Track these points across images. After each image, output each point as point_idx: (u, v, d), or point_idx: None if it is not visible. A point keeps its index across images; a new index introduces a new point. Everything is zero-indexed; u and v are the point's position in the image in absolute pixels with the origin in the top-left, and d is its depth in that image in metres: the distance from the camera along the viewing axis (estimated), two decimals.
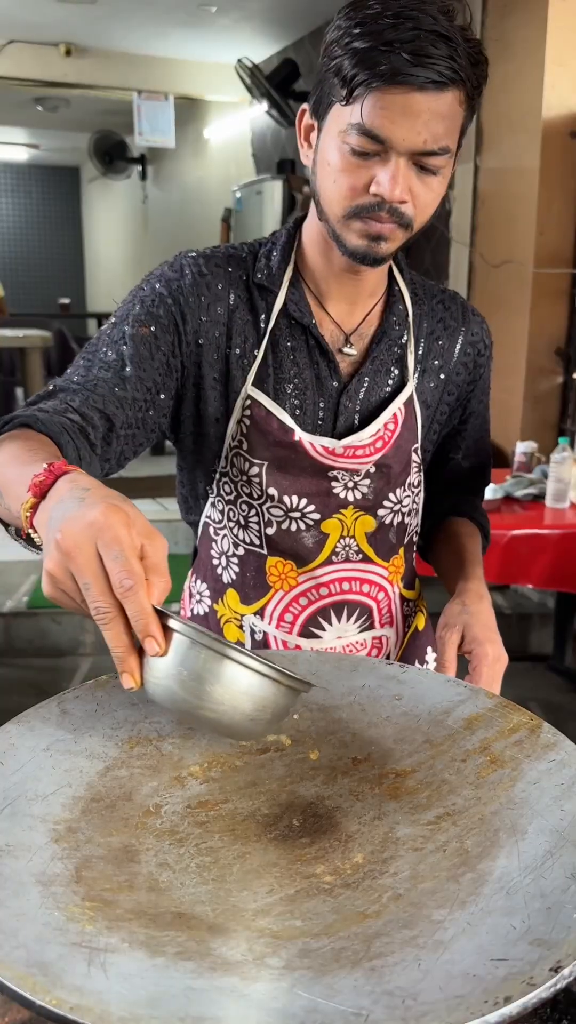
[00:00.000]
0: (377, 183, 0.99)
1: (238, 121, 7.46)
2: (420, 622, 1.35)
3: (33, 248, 13.31)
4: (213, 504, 1.23)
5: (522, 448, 3.52)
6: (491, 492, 3.23)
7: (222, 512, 1.22)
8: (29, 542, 0.80)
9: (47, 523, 0.71)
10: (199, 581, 1.30)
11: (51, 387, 1.04)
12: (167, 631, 0.70)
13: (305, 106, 1.07)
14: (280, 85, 5.90)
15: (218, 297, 1.13)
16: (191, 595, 1.33)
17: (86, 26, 6.27)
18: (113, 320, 1.12)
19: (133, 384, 1.06)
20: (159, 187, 9.93)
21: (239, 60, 5.93)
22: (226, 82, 6.80)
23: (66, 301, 10.66)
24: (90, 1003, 0.52)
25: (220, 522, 1.24)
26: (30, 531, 0.76)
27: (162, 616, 0.70)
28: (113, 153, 9.28)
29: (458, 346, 1.24)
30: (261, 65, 6.10)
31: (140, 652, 0.71)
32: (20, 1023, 0.62)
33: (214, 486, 1.21)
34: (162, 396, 1.11)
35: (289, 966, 0.58)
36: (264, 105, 6.09)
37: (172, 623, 0.70)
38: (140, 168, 9.87)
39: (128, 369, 1.07)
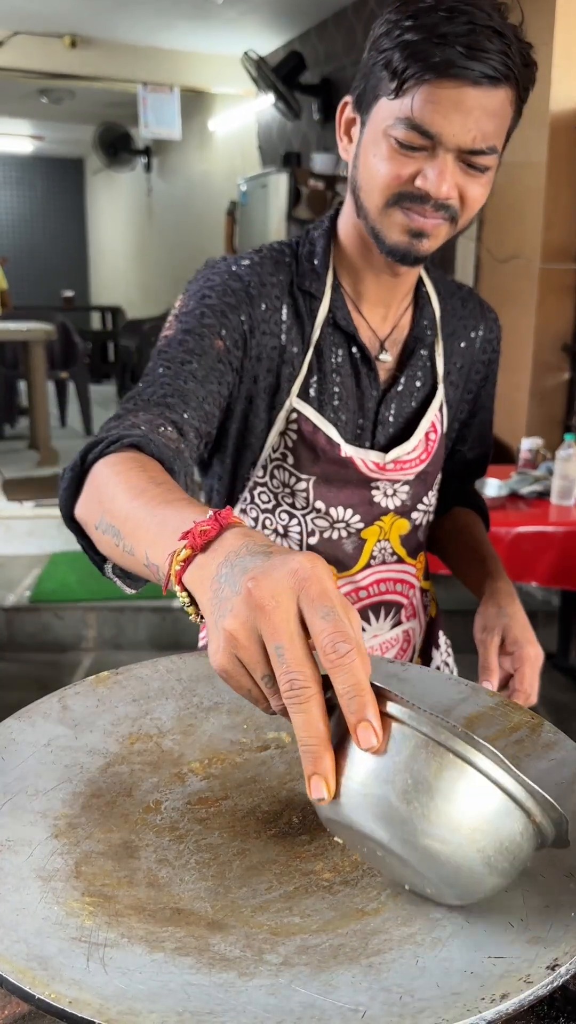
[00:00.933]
0: (424, 177, 0.97)
1: (244, 113, 7.44)
2: (433, 610, 1.38)
3: (37, 240, 13.31)
4: (244, 511, 1.20)
5: (528, 445, 3.52)
6: (496, 489, 3.23)
7: (255, 520, 1.20)
8: (126, 579, 0.78)
9: (215, 581, 0.57)
10: None
11: (130, 404, 0.96)
12: (384, 719, 0.52)
13: (347, 99, 1.05)
14: (286, 77, 5.89)
15: (276, 307, 1.09)
16: None
17: (91, 17, 6.26)
18: (184, 326, 1.04)
19: (213, 399, 1.03)
20: (164, 179, 9.92)
21: (245, 52, 5.91)
22: (232, 74, 6.78)
23: (70, 294, 10.67)
24: (89, 997, 0.52)
25: (255, 528, 1.20)
26: (176, 588, 0.62)
27: (379, 697, 0.52)
28: (118, 145, 9.28)
29: (476, 346, 1.24)
30: (267, 57, 6.09)
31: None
32: (19, 1017, 0.63)
33: (249, 494, 1.19)
34: (230, 407, 1.10)
35: (287, 962, 0.58)
36: (270, 97, 6.08)
37: (393, 708, 0.52)
38: (145, 160, 9.87)
39: (212, 385, 1.02)
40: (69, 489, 0.83)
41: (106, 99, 8.23)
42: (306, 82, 5.95)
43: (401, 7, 0.94)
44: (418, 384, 1.18)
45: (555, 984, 0.54)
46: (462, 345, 1.22)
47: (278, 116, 6.48)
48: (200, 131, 8.49)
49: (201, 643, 1.29)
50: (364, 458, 1.14)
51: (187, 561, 0.60)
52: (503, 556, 2.93)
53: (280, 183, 5.68)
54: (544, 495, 3.23)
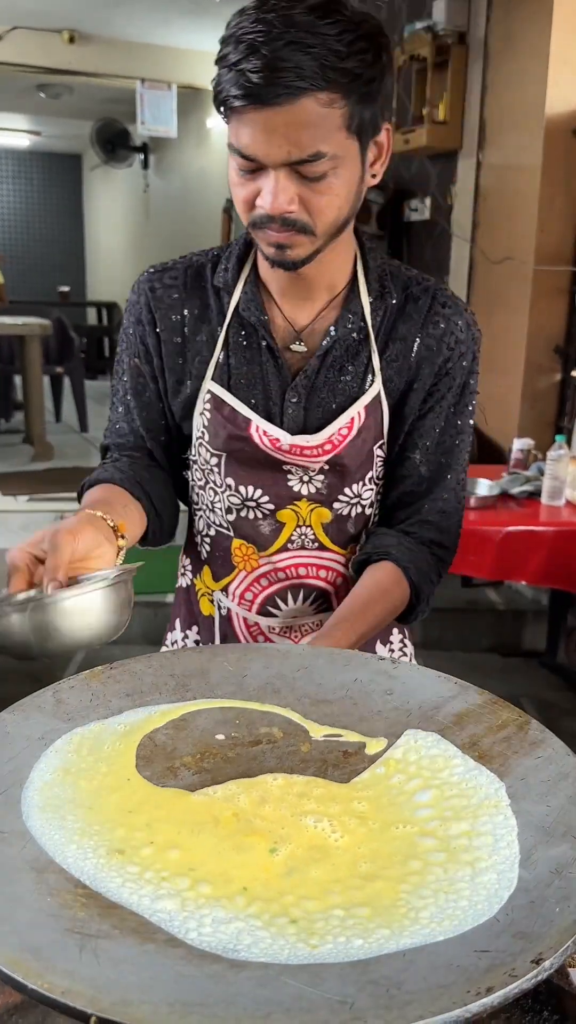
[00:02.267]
0: (261, 197, 1.03)
1: None
2: None
3: (33, 235, 13.28)
4: (192, 487, 1.32)
5: (519, 445, 3.53)
6: (487, 488, 3.24)
7: (197, 496, 1.31)
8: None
9: None
10: (185, 556, 1.41)
11: (105, 436, 1.30)
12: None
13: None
14: None
15: (171, 307, 1.21)
16: (181, 569, 1.43)
17: (90, 13, 6.25)
18: (117, 353, 1.29)
19: (140, 413, 1.26)
20: (161, 176, 9.91)
21: None
22: None
23: (66, 289, 10.65)
24: (81, 987, 0.53)
25: (196, 504, 1.32)
26: None
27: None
28: (115, 141, 9.26)
29: (417, 341, 1.19)
30: None
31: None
32: (12, 1007, 0.63)
33: (189, 473, 1.31)
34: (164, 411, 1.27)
35: (277, 955, 0.59)
36: None
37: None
38: (142, 157, 9.85)
39: (132, 402, 1.25)
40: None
41: (104, 95, 8.22)
42: None
43: (226, 29, 0.99)
44: (345, 378, 1.19)
45: (540, 978, 0.55)
46: (401, 339, 1.19)
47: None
48: (197, 128, 8.48)
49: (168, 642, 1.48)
50: (268, 432, 1.18)
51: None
52: (493, 555, 2.95)
53: None
54: (535, 495, 3.24)
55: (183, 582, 1.42)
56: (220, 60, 0.98)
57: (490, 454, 4.21)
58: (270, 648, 1.02)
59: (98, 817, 0.73)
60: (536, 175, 3.86)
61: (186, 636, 1.42)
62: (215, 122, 8.09)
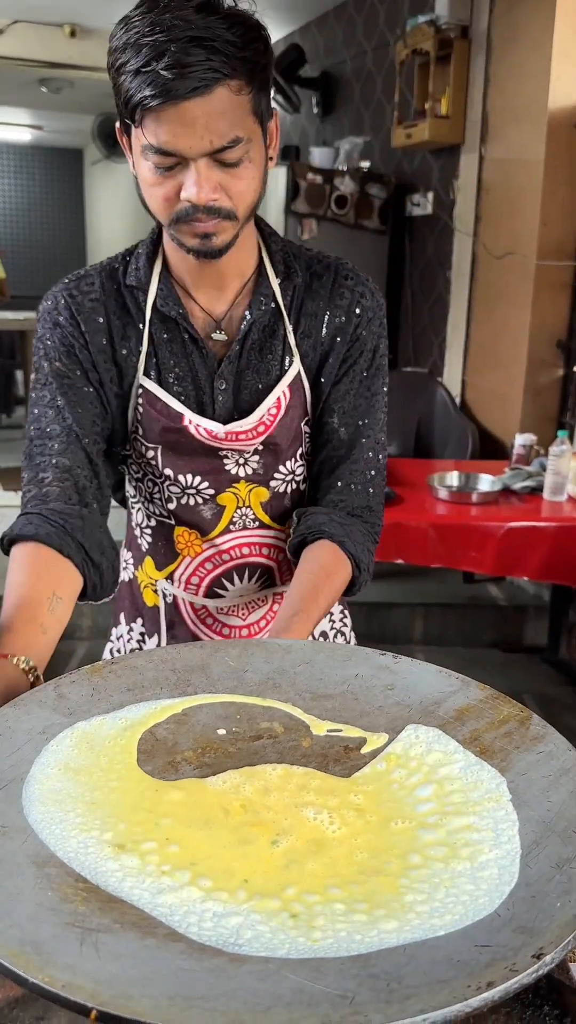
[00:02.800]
0: (185, 189, 1.05)
1: None
2: None
3: (35, 230, 13.26)
4: (129, 481, 1.35)
5: (521, 440, 3.53)
6: (489, 484, 3.24)
7: (135, 488, 1.34)
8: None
9: None
10: (126, 550, 1.43)
11: (26, 453, 1.22)
12: None
13: (118, 126, 1.12)
14: (286, 71, 5.87)
15: (93, 310, 1.22)
16: (123, 564, 1.44)
17: (91, 7, 6.23)
18: (33, 367, 1.25)
19: (71, 411, 1.21)
20: None
21: None
22: None
23: None
24: (82, 981, 0.53)
25: (135, 496, 1.36)
26: None
27: None
28: (117, 136, 9.24)
29: (327, 315, 1.25)
30: None
31: None
32: (13, 1000, 0.64)
33: (125, 467, 1.33)
34: (101, 406, 1.25)
35: (277, 948, 0.59)
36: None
37: None
38: None
39: (60, 401, 1.21)
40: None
41: (105, 90, 8.14)
42: (306, 75, 5.93)
43: (119, 33, 1.01)
44: (268, 357, 1.24)
45: (540, 972, 0.55)
46: (311, 316, 1.25)
47: (277, 109, 6.47)
48: None
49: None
50: (200, 425, 1.22)
51: None
52: (495, 550, 2.95)
53: (278, 177, 5.67)
54: (537, 491, 3.24)
55: (124, 576, 1.44)
56: (119, 68, 1.01)
57: (492, 449, 4.21)
58: (271, 643, 1.02)
59: (99, 811, 0.73)
60: (539, 169, 3.85)
61: (131, 629, 1.44)
62: None
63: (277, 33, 6.49)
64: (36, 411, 1.22)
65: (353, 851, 0.70)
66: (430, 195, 4.79)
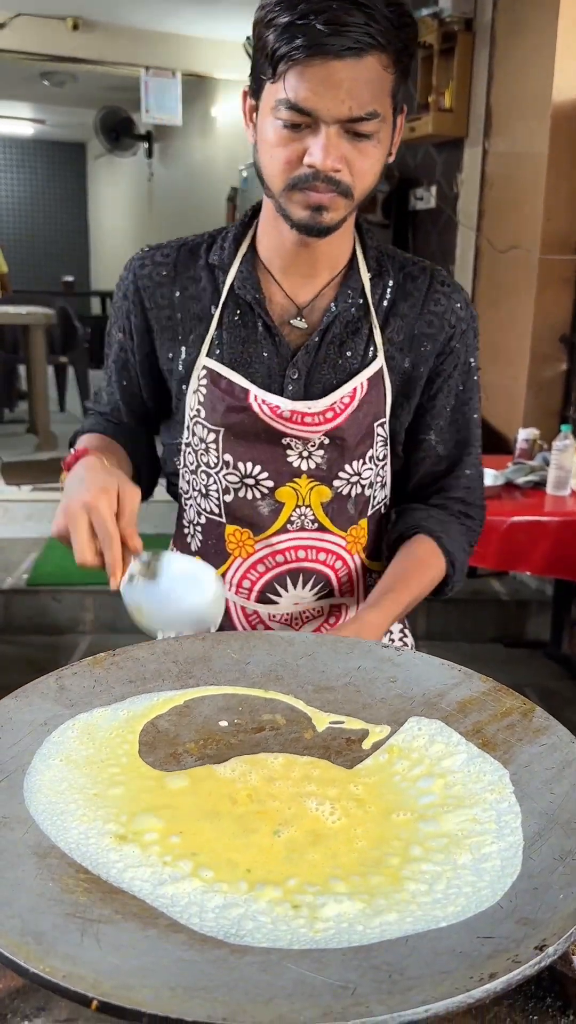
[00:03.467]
0: (310, 154, 1.02)
1: None
2: None
3: (37, 225, 13.26)
4: (182, 475, 1.31)
5: (524, 435, 3.52)
6: (492, 478, 3.23)
7: (188, 483, 1.29)
8: None
9: (65, 486, 1.06)
10: (174, 549, 1.39)
11: (88, 405, 1.37)
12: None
13: (245, 88, 1.10)
14: None
15: (161, 285, 1.22)
16: None
17: (94, 0, 6.22)
18: (107, 327, 1.31)
19: (119, 385, 1.30)
20: (165, 165, 9.88)
21: (248, 38, 5.87)
22: (234, 60, 6.74)
23: (70, 279, 10.63)
24: (83, 972, 0.53)
25: (187, 492, 1.31)
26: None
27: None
28: (119, 130, 9.23)
29: (418, 319, 1.22)
30: None
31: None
32: (14, 991, 0.64)
33: (181, 458, 1.29)
34: (151, 380, 1.28)
35: (279, 939, 0.59)
36: None
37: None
38: (146, 145, 9.82)
39: (114, 375, 1.30)
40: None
41: (108, 83, 8.18)
42: None
43: None
44: (348, 352, 1.20)
45: (543, 964, 0.55)
46: (402, 317, 1.22)
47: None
48: (202, 117, 8.44)
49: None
50: (267, 400, 1.18)
51: (61, 474, 1.09)
52: (498, 545, 2.94)
53: None
54: (540, 485, 3.23)
55: None
56: (269, 22, 0.99)
57: (495, 444, 4.20)
58: (273, 635, 1.02)
59: (100, 803, 0.72)
60: (542, 163, 3.83)
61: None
62: (219, 110, 8.06)
63: None
64: (104, 370, 1.33)
65: (355, 842, 0.70)
66: (433, 189, 4.78)
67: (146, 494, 1.29)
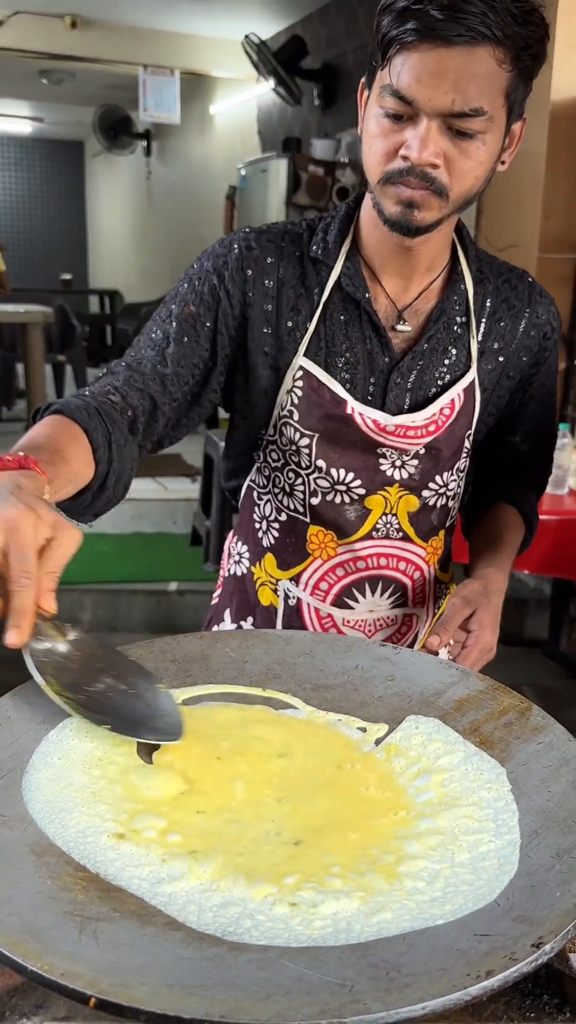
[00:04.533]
0: (406, 147, 0.98)
1: (244, 98, 7.40)
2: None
3: (36, 223, 13.24)
4: (259, 469, 1.26)
5: None
6: None
7: (267, 478, 1.24)
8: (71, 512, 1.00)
9: None
10: (240, 543, 1.33)
11: (105, 369, 1.13)
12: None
13: (364, 79, 1.06)
14: (287, 62, 5.85)
15: (266, 271, 1.14)
16: (230, 555, 1.36)
17: None
18: (165, 299, 1.17)
19: (175, 361, 1.12)
20: (163, 163, 9.87)
21: (246, 36, 5.87)
22: (233, 58, 6.74)
23: (68, 277, 10.62)
24: (81, 969, 0.53)
25: (264, 487, 1.26)
26: None
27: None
28: (118, 128, 9.21)
29: (521, 328, 1.21)
30: (268, 42, 6.04)
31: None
32: (12, 989, 0.64)
33: (261, 452, 1.24)
34: (209, 371, 1.15)
35: (276, 937, 0.59)
36: (271, 82, 6.04)
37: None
38: (145, 144, 9.80)
39: (171, 348, 1.12)
40: None
41: (106, 81, 8.16)
42: (307, 67, 5.91)
43: None
44: (448, 361, 1.17)
45: (540, 962, 0.55)
46: (502, 325, 1.20)
47: (278, 101, 6.44)
48: (200, 115, 8.43)
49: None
50: (366, 415, 1.14)
51: None
52: None
53: (280, 169, 5.66)
54: None
55: (236, 570, 1.34)
56: (387, 8, 0.95)
57: None
58: (271, 634, 1.02)
59: (99, 801, 0.72)
60: (541, 161, 3.83)
61: (239, 627, 1.33)
62: (218, 108, 8.05)
63: (278, 24, 6.47)
64: (140, 341, 1.15)
65: (353, 841, 0.70)
66: None
67: (104, 506, 1.06)
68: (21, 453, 0.85)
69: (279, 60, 5.84)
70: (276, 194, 5.71)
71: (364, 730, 0.87)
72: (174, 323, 1.13)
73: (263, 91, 6.80)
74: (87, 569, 4.00)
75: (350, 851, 0.69)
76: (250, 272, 1.13)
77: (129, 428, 1.06)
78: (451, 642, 1.08)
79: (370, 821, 0.73)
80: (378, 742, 0.85)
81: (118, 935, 0.58)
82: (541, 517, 3.03)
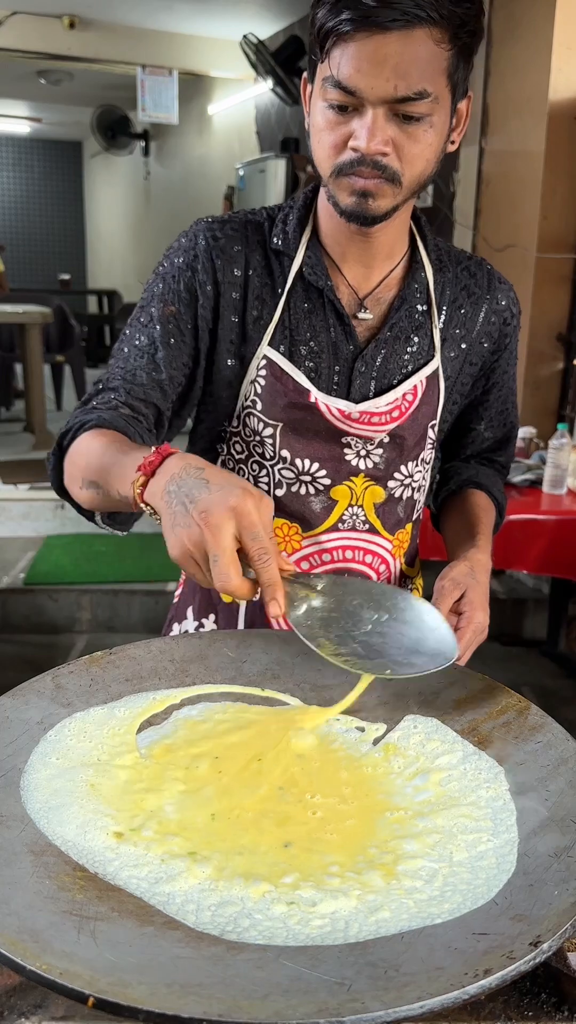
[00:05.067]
0: (355, 137, 0.97)
1: (242, 98, 7.39)
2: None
3: (34, 223, 13.24)
4: (223, 463, 1.24)
5: (521, 433, 3.52)
6: None
7: (232, 470, 1.22)
8: (115, 524, 1.02)
9: (165, 496, 0.82)
10: None
11: (99, 386, 1.11)
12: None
13: (305, 73, 1.06)
14: (285, 62, 5.85)
15: (233, 260, 1.13)
16: None
17: None
18: (141, 303, 1.15)
19: (167, 364, 1.12)
20: (162, 163, 9.86)
21: (244, 36, 5.87)
22: (231, 58, 6.74)
23: (66, 277, 10.61)
24: (79, 969, 0.53)
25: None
26: (142, 506, 0.86)
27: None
28: (116, 128, 9.21)
29: (482, 315, 1.21)
30: (267, 41, 6.05)
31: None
32: (10, 988, 0.64)
33: (224, 445, 1.23)
34: (196, 367, 1.15)
35: (274, 936, 0.59)
36: (269, 82, 6.04)
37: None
38: (143, 144, 9.80)
39: (160, 353, 1.12)
40: (56, 469, 1.05)
41: (105, 81, 8.16)
42: (305, 67, 5.91)
43: None
44: (411, 349, 1.17)
45: (538, 960, 0.55)
46: (463, 312, 1.20)
47: (277, 101, 6.44)
48: (198, 115, 8.43)
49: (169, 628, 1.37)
50: (330, 404, 1.14)
51: (143, 485, 0.85)
52: (495, 544, 2.93)
53: (278, 168, 5.66)
54: (536, 484, 3.23)
55: None
56: (320, 1, 0.95)
57: None
58: (270, 633, 1.02)
59: (97, 801, 0.73)
60: (539, 162, 3.84)
61: (201, 625, 1.32)
62: (216, 108, 8.05)
63: (276, 24, 6.47)
64: (126, 350, 1.13)
65: (351, 840, 0.70)
66: (430, 187, 4.77)
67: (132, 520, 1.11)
68: (153, 448, 0.88)
69: (277, 60, 5.84)
70: (274, 194, 5.72)
71: (362, 729, 0.87)
72: (157, 326, 1.12)
73: (261, 91, 6.79)
74: (86, 569, 4.00)
75: (348, 851, 0.69)
76: (219, 262, 1.13)
77: (148, 435, 1.08)
78: None
79: (368, 824, 0.73)
80: (376, 742, 0.85)
81: (116, 934, 0.58)
82: (539, 517, 3.05)
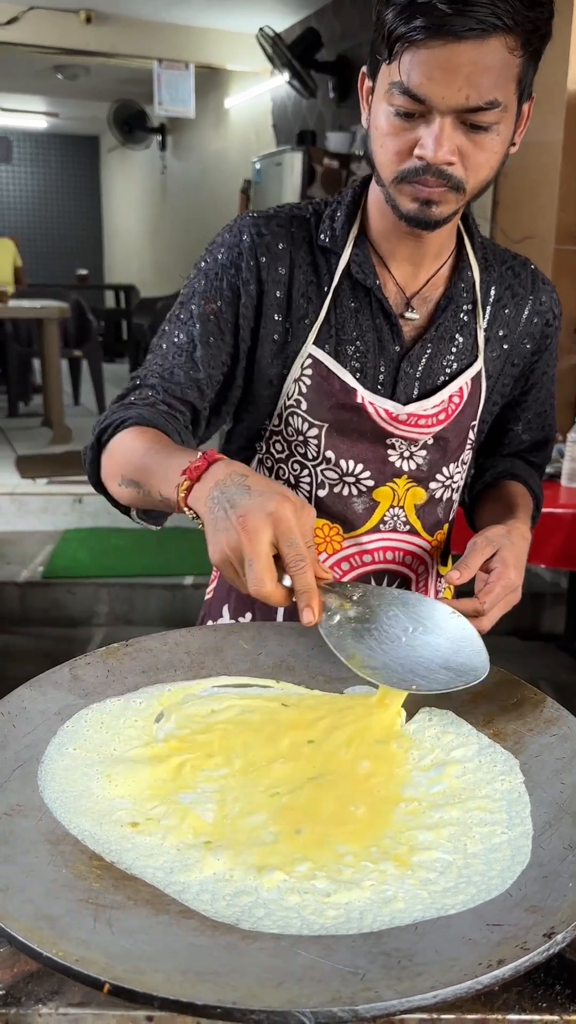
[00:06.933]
0: (421, 146, 0.95)
1: (259, 91, 7.38)
2: (448, 597, 1.35)
3: (51, 218, 13.28)
4: (261, 461, 1.23)
5: None
6: None
7: (270, 470, 1.22)
8: (149, 519, 1.02)
9: (208, 501, 0.82)
10: None
11: (136, 381, 1.10)
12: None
13: (364, 68, 1.04)
14: (302, 55, 5.83)
15: (278, 257, 1.11)
16: None
17: None
18: (181, 298, 1.14)
19: (205, 363, 1.10)
20: (178, 157, 9.87)
21: (261, 29, 5.86)
22: (247, 51, 6.72)
23: (84, 272, 10.64)
24: (95, 956, 0.53)
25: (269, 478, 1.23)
26: (185, 510, 0.86)
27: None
28: (132, 123, 9.22)
29: (524, 315, 1.20)
30: (283, 34, 6.03)
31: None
32: (27, 975, 0.64)
33: (264, 444, 1.21)
34: (235, 366, 1.14)
35: (289, 925, 0.59)
36: (285, 75, 6.03)
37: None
38: (159, 138, 9.81)
39: (199, 351, 1.10)
40: (93, 463, 1.04)
41: (121, 76, 8.17)
42: (322, 60, 5.89)
43: None
44: (455, 349, 1.16)
45: (551, 951, 0.55)
46: (507, 312, 1.19)
47: (293, 94, 6.43)
48: (215, 109, 8.43)
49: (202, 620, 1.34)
50: (377, 404, 1.12)
51: (188, 490, 0.85)
52: None
53: (295, 162, 5.64)
54: (555, 477, 3.22)
55: None
56: (388, 2, 0.92)
57: None
58: (284, 626, 1.03)
59: (113, 791, 0.73)
60: (557, 153, 3.81)
61: (237, 622, 1.29)
62: (233, 102, 8.04)
63: (293, 17, 6.46)
64: (164, 346, 1.12)
65: (366, 830, 0.70)
66: None
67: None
68: (200, 453, 0.87)
69: (294, 53, 5.83)
70: (291, 187, 5.70)
71: None
72: (197, 324, 1.11)
73: (278, 84, 6.78)
74: (104, 563, 4.01)
75: (363, 841, 0.69)
76: (264, 259, 1.11)
77: (185, 432, 1.07)
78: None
79: (383, 815, 0.73)
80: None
81: (132, 923, 0.58)
82: (558, 511, 3.03)
